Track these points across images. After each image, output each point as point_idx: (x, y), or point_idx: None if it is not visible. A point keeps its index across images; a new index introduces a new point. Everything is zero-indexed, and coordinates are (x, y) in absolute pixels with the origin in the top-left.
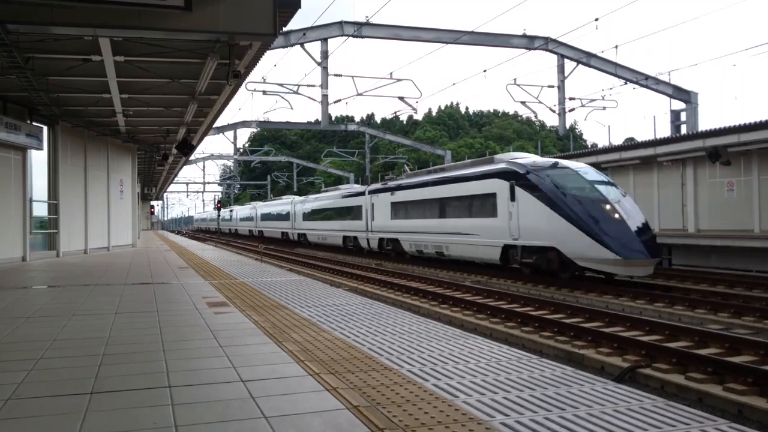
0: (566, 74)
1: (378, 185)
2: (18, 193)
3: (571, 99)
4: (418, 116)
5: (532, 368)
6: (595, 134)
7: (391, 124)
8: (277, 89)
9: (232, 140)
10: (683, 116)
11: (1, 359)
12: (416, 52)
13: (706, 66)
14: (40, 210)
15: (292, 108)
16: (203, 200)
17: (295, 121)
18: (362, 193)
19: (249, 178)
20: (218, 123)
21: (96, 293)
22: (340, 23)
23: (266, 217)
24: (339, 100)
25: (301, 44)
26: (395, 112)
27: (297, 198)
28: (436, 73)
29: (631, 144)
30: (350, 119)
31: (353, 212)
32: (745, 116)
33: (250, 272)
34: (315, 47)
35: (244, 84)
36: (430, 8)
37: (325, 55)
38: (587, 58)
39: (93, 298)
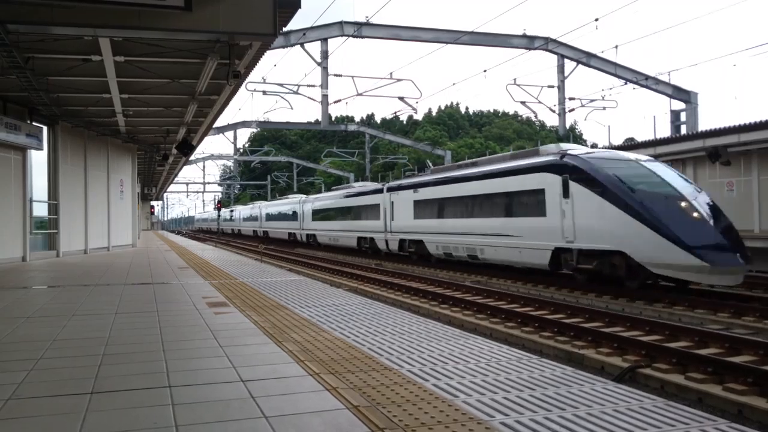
0: (566, 74)
1: (398, 182)
2: (18, 193)
3: (571, 99)
4: (418, 116)
5: (532, 368)
6: (595, 134)
7: (391, 124)
8: (277, 89)
9: (232, 140)
10: (683, 116)
11: (1, 359)
12: (416, 52)
13: (706, 66)
14: (40, 210)
15: (292, 108)
16: (203, 200)
17: (295, 121)
18: (380, 191)
19: (249, 178)
20: (218, 123)
21: (96, 293)
22: (340, 23)
23: (272, 217)
24: (339, 100)
25: (301, 44)
26: (395, 112)
27: (305, 197)
28: (436, 73)
29: (630, 144)
30: (350, 119)
31: (369, 211)
32: (745, 116)
33: (250, 272)
34: (315, 47)
35: (244, 84)
36: (430, 8)
37: (325, 55)
38: (587, 58)
39: (93, 298)
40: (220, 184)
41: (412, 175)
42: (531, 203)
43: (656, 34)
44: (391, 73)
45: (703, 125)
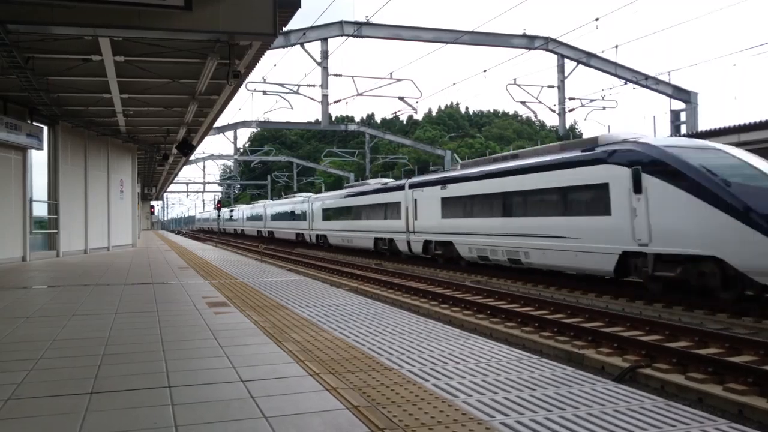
0: (566, 74)
1: (422, 177)
2: (18, 193)
3: (571, 99)
4: (418, 116)
5: (532, 368)
6: (595, 134)
7: (391, 124)
8: (277, 89)
9: (232, 140)
10: (683, 116)
11: (1, 359)
12: (416, 52)
13: (706, 66)
14: (40, 210)
15: (292, 108)
16: (203, 200)
17: (295, 121)
18: (401, 188)
19: (249, 178)
20: (218, 123)
21: (96, 293)
22: (340, 23)
23: (278, 216)
24: (339, 100)
25: (301, 44)
26: (395, 112)
27: (315, 195)
28: (436, 73)
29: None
30: (350, 119)
31: (389, 210)
32: (745, 116)
33: (250, 272)
34: (315, 47)
35: (244, 84)
36: (430, 8)
37: (325, 55)
38: (587, 58)
39: (93, 298)
40: (220, 184)
41: (436, 170)
42: (591, 200)
43: (656, 34)
44: (391, 73)
45: (703, 125)
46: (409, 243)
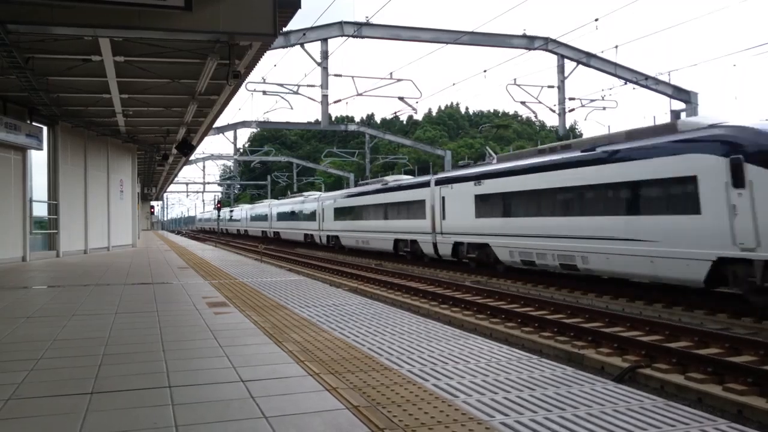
0: (566, 74)
1: (451, 173)
2: (18, 193)
3: (571, 99)
4: (418, 116)
5: (532, 368)
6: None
7: (391, 124)
8: (277, 89)
9: (232, 140)
10: (683, 116)
11: (1, 359)
12: (416, 52)
13: (706, 66)
14: (40, 210)
15: (292, 108)
16: (203, 200)
17: (295, 121)
18: (425, 184)
19: (249, 178)
20: (218, 123)
21: (96, 293)
22: (340, 23)
23: (284, 216)
24: (339, 100)
25: (301, 44)
26: (395, 112)
27: (325, 193)
28: (436, 73)
29: None
30: (350, 119)
31: (411, 209)
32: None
33: (249, 272)
34: (315, 47)
35: (244, 84)
36: (429, 8)
37: (325, 55)
38: (587, 58)
39: (93, 298)
40: (220, 184)
41: (467, 164)
42: (673, 196)
43: (656, 34)
44: (391, 73)
45: None
46: (435, 245)
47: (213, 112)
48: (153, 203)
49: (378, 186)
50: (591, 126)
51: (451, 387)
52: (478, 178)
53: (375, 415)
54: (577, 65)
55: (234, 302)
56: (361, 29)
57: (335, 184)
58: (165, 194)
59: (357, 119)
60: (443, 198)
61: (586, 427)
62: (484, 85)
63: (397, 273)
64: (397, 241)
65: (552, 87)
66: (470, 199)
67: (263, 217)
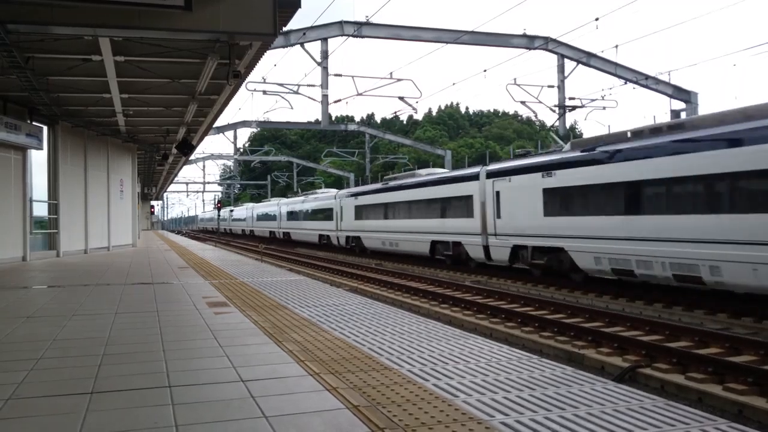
0: (566, 74)
1: (507, 164)
2: (18, 193)
3: (571, 99)
4: (418, 116)
5: (532, 368)
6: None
7: (391, 124)
8: (277, 89)
9: (232, 140)
10: (683, 116)
11: (1, 359)
12: (416, 52)
13: (706, 66)
14: (40, 210)
15: (292, 108)
16: (203, 200)
17: (295, 121)
18: (473, 177)
19: (249, 178)
20: (218, 123)
21: (96, 293)
22: (340, 23)
23: (296, 215)
24: (339, 100)
25: (301, 44)
26: (395, 112)
27: (345, 190)
28: (436, 73)
29: None
30: (350, 119)
31: (454, 206)
32: None
33: (250, 272)
34: (315, 47)
35: (244, 84)
36: (430, 8)
37: (325, 55)
38: (587, 58)
39: (93, 298)
40: (220, 184)
41: (526, 153)
42: None
43: (656, 34)
44: (391, 73)
45: None
46: (487, 248)
47: (213, 112)
48: (153, 203)
49: (409, 181)
50: (591, 126)
51: (452, 387)
52: (548, 168)
53: (375, 414)
54: (577, 65)
55: (234, 302)
56: (361, 29)
57: (335, 184)
58: (165, 194)
59: (357, 119)
60: (497, 193)
61: (587, 426)
62: (484, 84)
63: (397, 273)
64: (434, 244)
65: (552, 87)
66: (537, 193)
67: (271, 217)
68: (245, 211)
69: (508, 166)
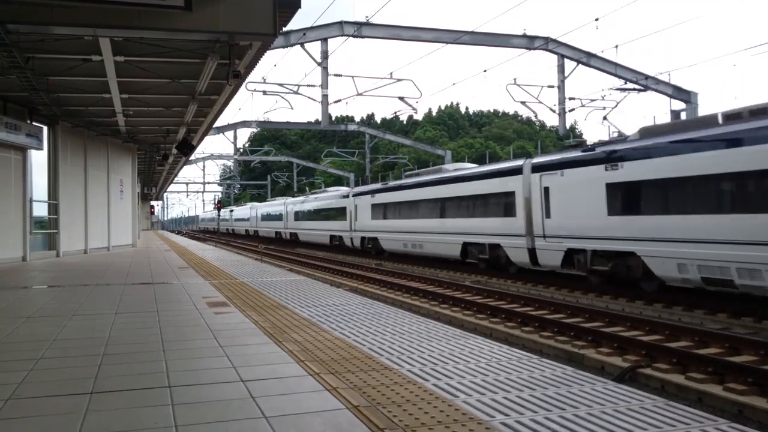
0: (566, 74)
1: (556, 156)
2: (18, 193)
3: (571, 99)
4: (418, 116)
5: (532, 368)
6: (595, 134)
7: (391, 124)
8: (277, 89)
9: (232, 140)
10: (683, 116)
11: (1, 359)
12: (416, 52)
13: (706, 66)
14: (40, 210)
15: (292, 108)
16: (203, 200)
17: (295, 121)
18: (516, 171)
19: (249, 178)
20: (218, 123)
21: (96, 293)
22: (340, 23)
23: (304, 215)
24: (339, 100)
25: (301, 44)
26: (395, 112)
27: (359, 187)
28: (436, 73)
29: None
30: (350, 119)
31: (492, 204)
32: None
33: (250, 272)
34: (315, 47)
35: (244, 84)
36: (430, 8)
37: (325, 55)
38: (587, 58)
39: (93, 298)
40: (220, 184)
41: (579, 143)
42: None
43: (656, 34)
44: (391, 73)
45: None
46: (532, 251)
47: (213, 112)
48: (153, 203)
49: (436, 176)
50: (591, 126)
51: (452, 387)
52: (613, 160)
53: (375, 414)
54: (577, 65)
55: (234, 302)
56: (361, 29)
57: (335, 184)
58: (165, 194)
59: (357, 119)
60: (546, 189)
61: (587, 427)
62: (484, 85)
63: (397, 273)
64: (466, 246)
65: (552, 87)
66: (598, 189)
67: (277, 217)
68: (249, 210)
69: (560, 158)
